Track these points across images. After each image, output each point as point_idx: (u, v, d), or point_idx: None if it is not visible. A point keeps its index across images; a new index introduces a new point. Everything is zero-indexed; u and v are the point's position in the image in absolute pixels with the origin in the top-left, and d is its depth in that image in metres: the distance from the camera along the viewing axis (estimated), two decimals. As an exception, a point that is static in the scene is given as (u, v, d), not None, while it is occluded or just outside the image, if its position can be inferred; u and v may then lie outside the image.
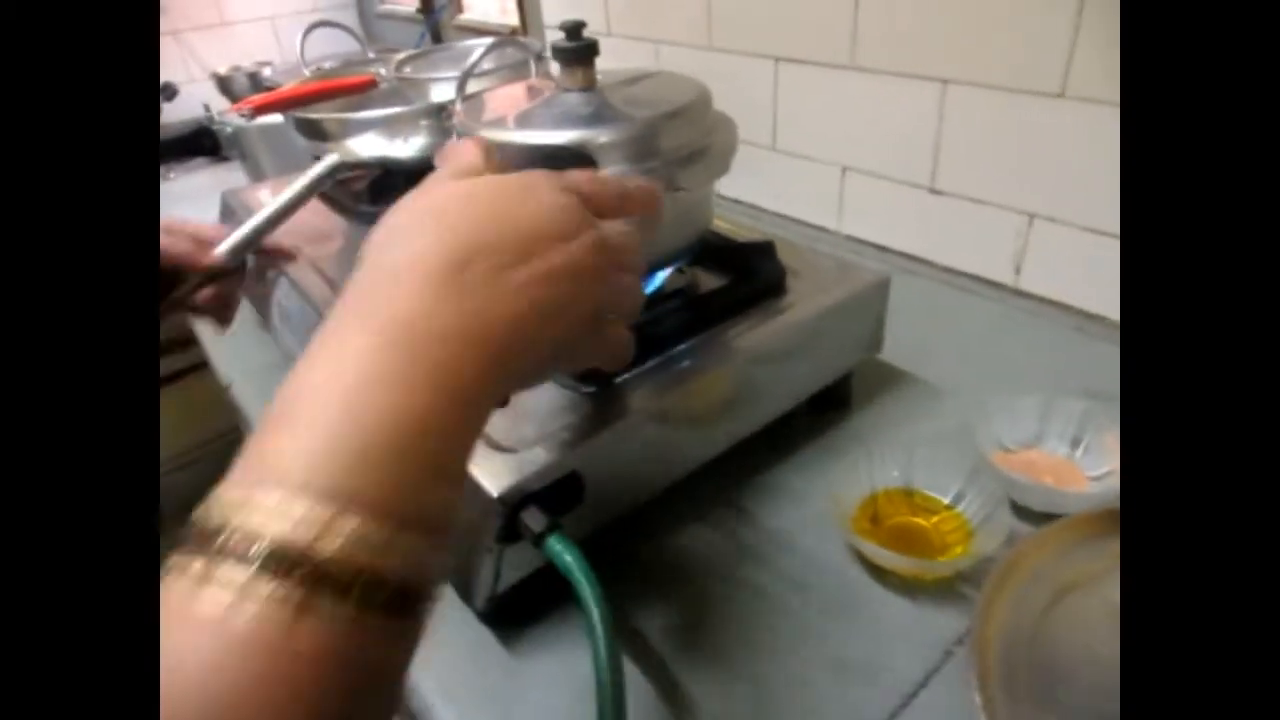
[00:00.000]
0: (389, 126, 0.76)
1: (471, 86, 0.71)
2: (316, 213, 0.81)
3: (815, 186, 0.88)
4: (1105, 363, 0.64)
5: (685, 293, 0.57)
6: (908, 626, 0.45)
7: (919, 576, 0.47)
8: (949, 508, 0.50)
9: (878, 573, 0.48)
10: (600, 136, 0.46)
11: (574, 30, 0.48)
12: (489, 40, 0.94)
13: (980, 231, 0.75)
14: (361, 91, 0.80)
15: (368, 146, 0.76)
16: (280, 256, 0.61)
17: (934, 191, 0.78)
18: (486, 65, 0.74)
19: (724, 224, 0.63)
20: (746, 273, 0.56)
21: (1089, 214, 0.67)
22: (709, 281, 0.59)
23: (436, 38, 1.48)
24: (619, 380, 0.48)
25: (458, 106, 0.53)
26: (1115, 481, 0.50)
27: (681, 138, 0.48)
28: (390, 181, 0.80)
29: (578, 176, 0.35)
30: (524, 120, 0.48)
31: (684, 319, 0.51)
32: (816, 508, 0.53)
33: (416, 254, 0.29)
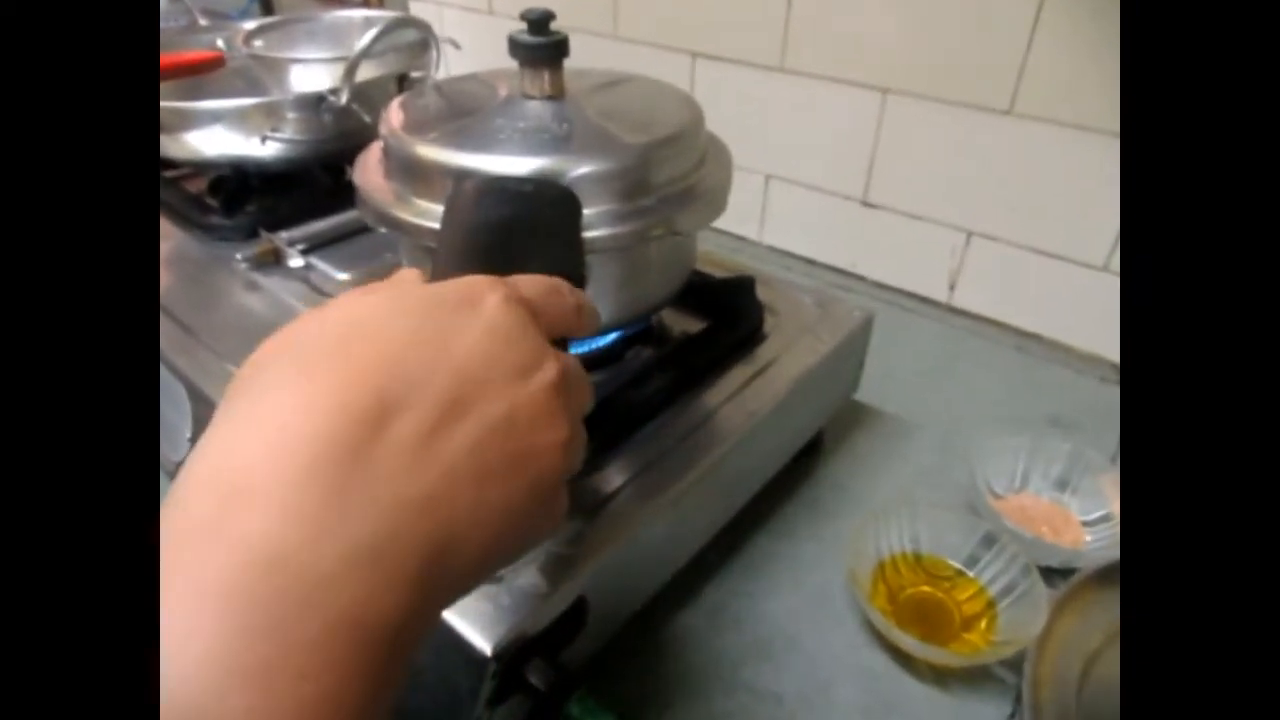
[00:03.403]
0: (243, 119, 0.60)
1: (360, 74, 0.58)
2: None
3: (736, 195, 0.82)
4: (1061, 386, 0.63)
5: (655, 338, 0.49)
6: (950, 725, 0.40)
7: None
8: (960, 572, 0.46)
9: (902, 657, 0.43)
10: (583, 165, 0.36)
11: (540, 22, 0.38)
12: (366, 13, 0.79)
13: (915, 247, 0.73)
14: (202, 72, 0.63)
15: (215, 143, 0.61)
16: None
17: (867, 205, 0.74)
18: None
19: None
20: (724, 314, 0.49)
21: (1029, 233, 0.66)
22: (673, 319, 0.51)
23: (266, 2, 1.26)
24: (598, 463, 0.39)
25: (390, 111, 0.41)
26: (1115, 528, 0.48)
27: (677, 168, 0.39)
28: (245, 186, 0.64)
29: (530, 284, 0.26)
30: (482, 137, 0.37)
31: (666, 381, 0.43)
32: (815, 580, 0.47)
33: (290, 420, 0.18)
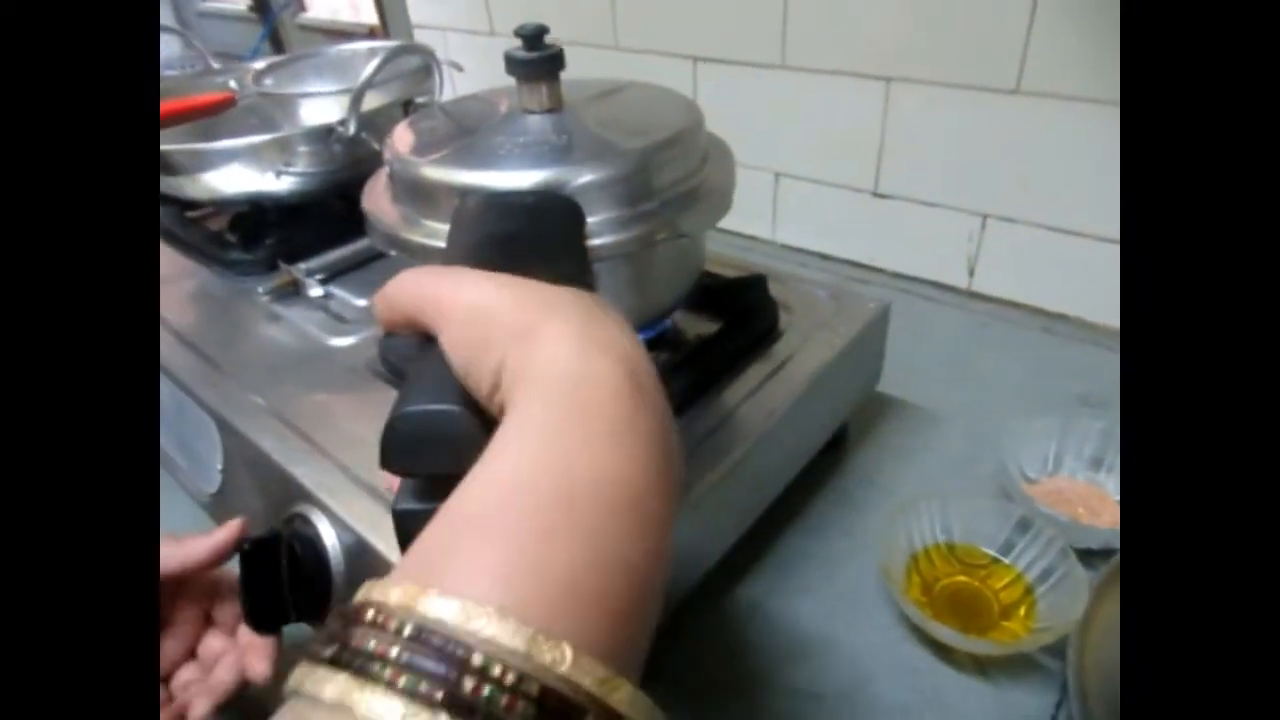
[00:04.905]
0: (257, 156, 0.62)
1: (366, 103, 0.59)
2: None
3: (745, 194, 0.82)
4: (1088, 365, 0.62)
5: (670, 342, 0.49)
6: (995, 715, 0.39)
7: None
8: (995, 560, 0.45)
9: (941, 650, 0.42)
10: (584, 174, 0.36)
11: (534, 37, 0.38)
12: (370, 44, 0.81)
13: (931, 235, 0.72)
14: (216, 112, 0.65)
15: (232, 181, 0.62)
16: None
17: (878, 195, 0.74)
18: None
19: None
20: (737, 314, 0.49)
21: (1047, 212, 0.65)
22: (687, 322, 0.51)
23: (277, 41, 1.29)
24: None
25: (394, 136, 0.42)
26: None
27: (678, 170, 0.39)
28: (263, 220, 0.65)
29: None
30: (483, 154, 0.38)
31: (684, 383, 0.43)
32: (848, 575, 0.46)
33: (616, 356, 0.24)
